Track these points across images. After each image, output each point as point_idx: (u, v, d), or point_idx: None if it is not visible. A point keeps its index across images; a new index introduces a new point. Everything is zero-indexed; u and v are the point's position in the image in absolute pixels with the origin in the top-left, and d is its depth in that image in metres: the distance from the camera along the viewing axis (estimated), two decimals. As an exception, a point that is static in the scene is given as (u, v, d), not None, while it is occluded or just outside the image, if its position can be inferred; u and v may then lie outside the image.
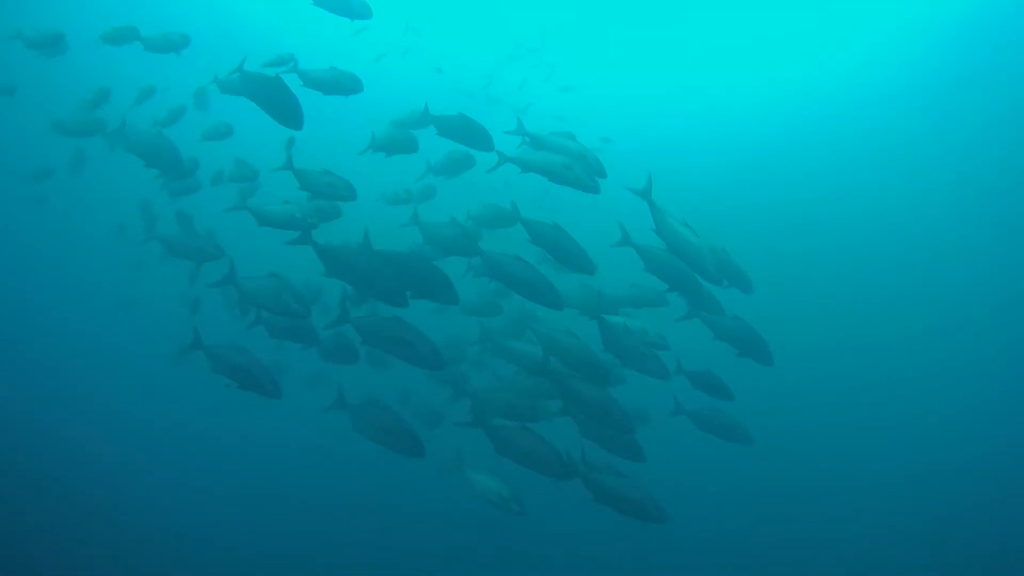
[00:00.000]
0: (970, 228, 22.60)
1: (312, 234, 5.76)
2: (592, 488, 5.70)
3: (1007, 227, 21.98)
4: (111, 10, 13.68)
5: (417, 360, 5.54)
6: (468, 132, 6.93)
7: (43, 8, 16.86)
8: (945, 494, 14.85)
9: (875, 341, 20.03)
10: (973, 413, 17.78)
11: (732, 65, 25.70)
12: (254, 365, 5.74)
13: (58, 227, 19.88)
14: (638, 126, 24.44)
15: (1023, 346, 19.77)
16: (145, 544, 11.53)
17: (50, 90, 13.13)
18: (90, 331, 18.57)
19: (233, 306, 9.20)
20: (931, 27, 21.15)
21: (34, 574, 10.08)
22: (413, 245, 6.99)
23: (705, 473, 13.38)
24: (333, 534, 12.92)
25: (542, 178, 6.41)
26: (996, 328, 20.47)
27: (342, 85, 6.96)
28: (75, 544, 11.02)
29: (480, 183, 8.28)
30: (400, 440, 5.63)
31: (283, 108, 5.81)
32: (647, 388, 6.52)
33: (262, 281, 5.99)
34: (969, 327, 20.66)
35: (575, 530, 11.36)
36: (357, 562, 12.24)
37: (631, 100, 26.18)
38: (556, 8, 23.98)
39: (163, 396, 15.34)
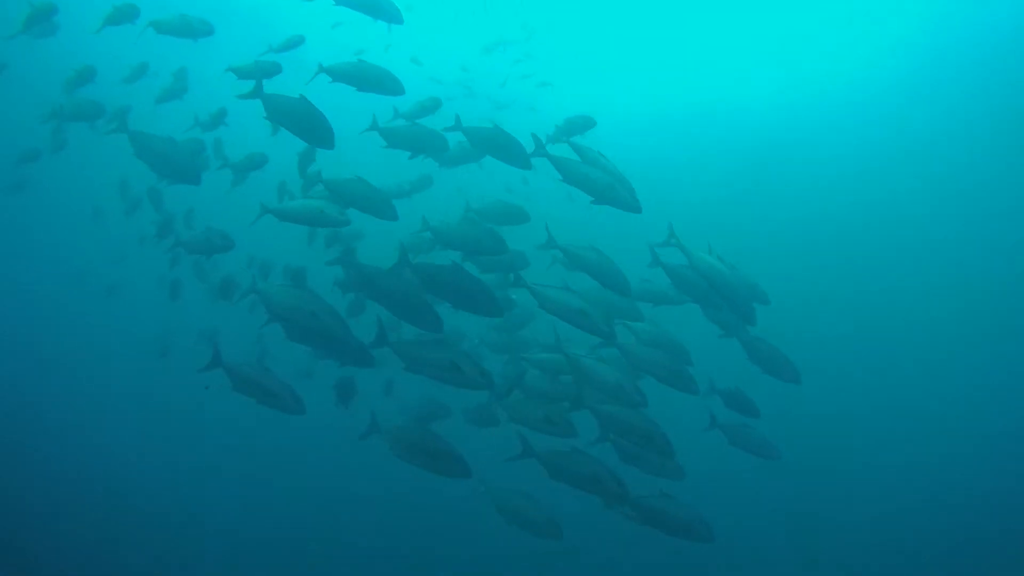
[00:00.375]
0: (971, 227, 22.83)
1: (355, 253, 5.59)
2: (639, 511, 5.58)
3: (1011, 226, 22.24)
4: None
5: (466, 384, 5.29)
6: (502, 146, 6.49)
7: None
8: (957, 494, 14.87)
9: (877, 341, 20.11)
10: (985, 413, 17.80)
11: (722, 65, 25.63)
12: (275, 384, 5.46)
13: (39, 210, 19.58)
14: (624, 127, 24.47)
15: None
16: (136, 531, 11.55)
17: (39, 70, 12.90)
18: (77, 317, 18.32)
19: (215, 293, 9.15)
20: (933, 26, 21.37)
21: (27, 561, 10.08)
22: (414, 235, 6.57)
23: (705, 477, 13.21)
24: (331, 524, 12.83)
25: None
26: (1000, 325, 20.49)
27: (383, 85, 6.58)
28: (64, 526, 11.04)
29: (464, 175, 8.28)
30: (444, 462, 5.27)
31: (312, 129, 5.64)
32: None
33: (291, 292, 5.55)
34: (969, 325, 20.71)
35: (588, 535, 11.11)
36: (355, 553, 12.18)
37: (615, 100, 26.17)
38: (543, 4, 24.05)
39: (155, 383, 15.11)
